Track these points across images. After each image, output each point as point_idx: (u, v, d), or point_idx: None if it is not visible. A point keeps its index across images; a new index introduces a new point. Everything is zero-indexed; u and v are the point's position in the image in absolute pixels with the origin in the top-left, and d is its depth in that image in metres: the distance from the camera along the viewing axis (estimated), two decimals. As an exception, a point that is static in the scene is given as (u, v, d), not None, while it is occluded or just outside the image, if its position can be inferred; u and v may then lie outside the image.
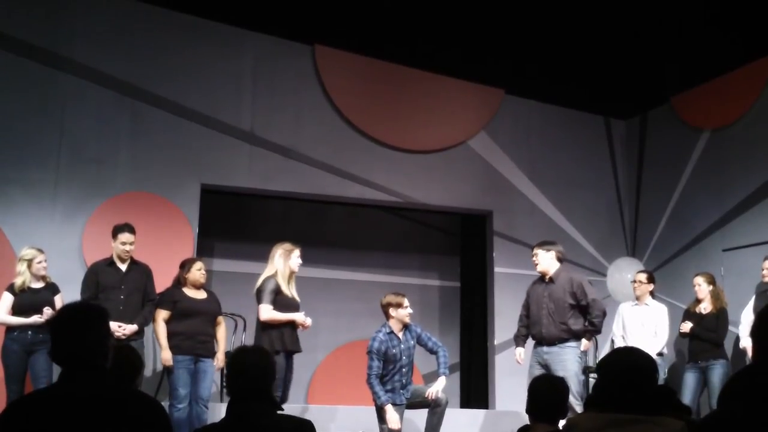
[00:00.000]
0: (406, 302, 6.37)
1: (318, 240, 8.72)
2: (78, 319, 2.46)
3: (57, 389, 2.36)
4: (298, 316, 6.11)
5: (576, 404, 5.84)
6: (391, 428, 6.07)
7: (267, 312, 6.04)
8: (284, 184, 8.33)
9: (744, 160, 8.10)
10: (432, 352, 6.47)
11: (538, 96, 9.24)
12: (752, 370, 2.16)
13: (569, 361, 6.12)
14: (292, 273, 6.23)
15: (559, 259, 6.42)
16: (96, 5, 7.83)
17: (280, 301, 6.09)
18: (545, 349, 6.26)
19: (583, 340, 6.21)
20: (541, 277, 6.46)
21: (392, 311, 6.33)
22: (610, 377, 2.75)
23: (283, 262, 6.19)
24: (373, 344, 6.23)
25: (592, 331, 6.23)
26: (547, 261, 6.39)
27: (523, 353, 6.56)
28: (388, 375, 6.23)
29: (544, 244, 6.57)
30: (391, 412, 6.07)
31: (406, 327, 6.38)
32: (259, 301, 6.10)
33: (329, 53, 8.55)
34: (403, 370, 6.28)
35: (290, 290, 6.18)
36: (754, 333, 2.23)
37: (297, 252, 6.26)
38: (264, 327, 6.06)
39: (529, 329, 6.45)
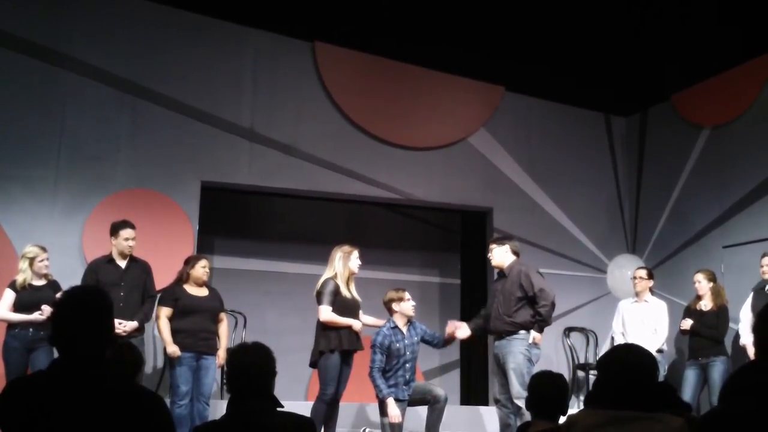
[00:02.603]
0: (407, 296, 6.45)
1: (318, 237, 8.70)
2: (85, 303, 2.39)
3: (58, 378, 2.27)
4: (356, 323, 6.16)
5: (518, 400, 5.85)
6: (392, 422, 6.08)
7: (326, 313, 6.09)
8: (284, 181, 8.32)
9: (744, 157, 8.10)
10: (435, 337, 6.61)
11: (539, 93, 9.23)
12: (753, 367, 2.17)
13: (515, 354, 6.11)
14: (351, 274, 6.30)
15: (515, 253, 6.47)
16: (96, 3, 7.82)
17: (340, 302, 6.13)
18: (496, 343, 6.35)
19: (532, 332, 6.15)
20: (500, 273, 6.52)
21: (395, 306, 6.40)
22: (610, 374, 2.75)
23: (343, 264, 6.24)
24: (377, 338, 6.28)
25: (540, 321, 6.17)
26: (500, 255, 6.46)
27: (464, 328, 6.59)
28: (392, 370, 6.24)
29: (498, 239, 6.70)
30: (392, 405, 6.09)
31: (410, 323, 6.42)
32: (319, 302, 6.14)
33: (329, 50, 8.54)
34: (407, 365, 6.29)
35: (350, 291, 6.25)
36: (756, 330, 2.23)
37: (356, 253, 6.33)
38: (324, 327, 6.12)
39: (487, 323, 6.50)
